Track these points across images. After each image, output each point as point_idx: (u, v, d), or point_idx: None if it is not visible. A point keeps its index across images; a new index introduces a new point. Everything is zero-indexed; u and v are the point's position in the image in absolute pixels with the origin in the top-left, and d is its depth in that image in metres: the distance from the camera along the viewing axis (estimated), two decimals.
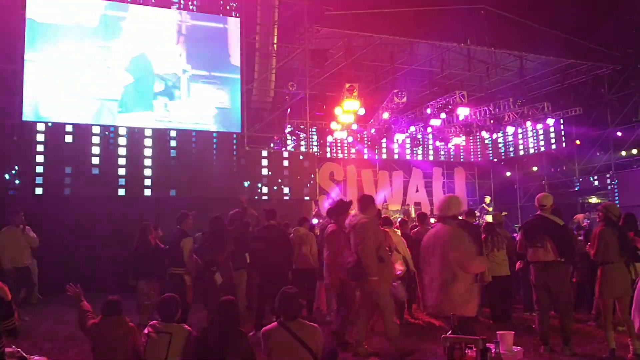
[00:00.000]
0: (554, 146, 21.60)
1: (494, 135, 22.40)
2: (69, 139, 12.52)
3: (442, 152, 23.87)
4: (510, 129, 20.85)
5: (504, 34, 16.25)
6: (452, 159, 24.03)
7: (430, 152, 23.75)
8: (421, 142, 23.18)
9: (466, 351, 3.76)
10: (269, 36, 15.29)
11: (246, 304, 8.70)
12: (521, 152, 23.18)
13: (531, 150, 22.61)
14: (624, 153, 18.58)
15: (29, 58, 12.51)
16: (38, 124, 12.39)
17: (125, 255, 8.85)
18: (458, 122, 19.89)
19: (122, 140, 13.05)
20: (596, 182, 19.77)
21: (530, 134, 22.24)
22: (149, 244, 7.95)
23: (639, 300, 5.35)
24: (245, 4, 14.84)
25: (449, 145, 22.88)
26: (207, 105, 14.22)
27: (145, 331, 4.29)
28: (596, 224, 8.66)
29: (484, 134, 21.50)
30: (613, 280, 5.82)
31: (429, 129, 20.82)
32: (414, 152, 23.28)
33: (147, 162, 13.14)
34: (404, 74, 19.27)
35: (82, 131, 12.71)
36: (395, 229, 8.83)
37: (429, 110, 19.32)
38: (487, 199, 20.34)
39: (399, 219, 10.86)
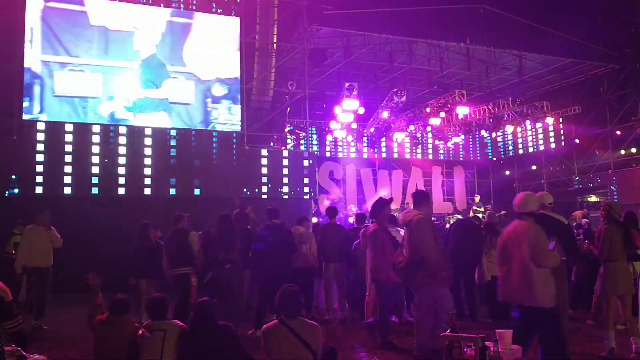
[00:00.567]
0: (553, 145, 21.64)
1: (493, 134, 22.44)
2: (68, 138, 12.55)
3: (442, 151, 23.90)
4: (509, 128, 20.90)
5: (503, 33, 16.26)
6: (451, 158, 24.05)
7: (430, 151, 23.78)
8: (420, 141, 23.21)
9: (465, 350, 3.78)
10: (268, 35, 15.30)
11: (245, 303, 8.75)
12: (520, 151, 23.22)
13: (530, 149, 22.65)
14: (623, 152, 18.60)
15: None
16: (38, 123, 12.43)
17: (125, 255, 8.83)
18: (457, 121, 19.92)
19: (122, 139, 13.07)
20: (595, 181, 19.78)
21: (529, 132, 22.29)
22: (150, 242, 7.94)
23: None
24: (244, 3, 14.84)
25: (448, 144, 22.92)
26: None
27: (139, 332, 4.31)
28: (597, 223, 8.70)
29: (483, 133, 21.55)
30: (617, 278, 5.85)
31: (429, 128, 20.86)
32: (414, 151, 23.31)
33: (147, 161, 13.15)
34: (403, 73, 19.28)
35: (82, 130, 12.73)
36: (398, 229, 8.83)
37: (428, 109, 19.36)
38: (477, 198, 20.34)
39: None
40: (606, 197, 18.48)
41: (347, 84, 16.63)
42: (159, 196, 12.90)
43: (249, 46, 15.15)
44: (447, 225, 13.42)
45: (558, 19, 16.35)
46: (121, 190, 12.77)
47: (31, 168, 12.08)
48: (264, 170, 14.40)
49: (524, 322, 4.87)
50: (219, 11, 14.84)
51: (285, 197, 14.52)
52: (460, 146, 23.77)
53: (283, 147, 16.74)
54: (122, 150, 12.98)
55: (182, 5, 14.57)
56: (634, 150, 18.31)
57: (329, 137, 21.63)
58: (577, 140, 20.16)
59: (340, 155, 22.26)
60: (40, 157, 12.19)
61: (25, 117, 12.55)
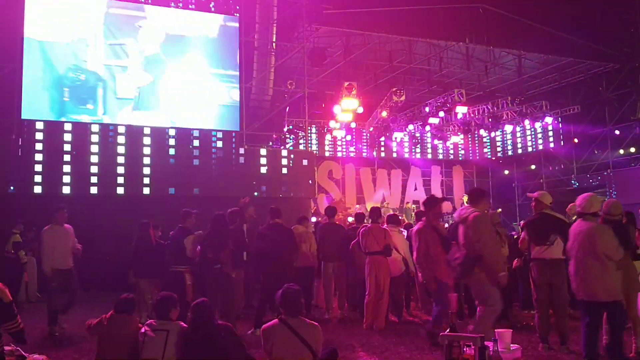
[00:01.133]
0: (552, 144, 21.65)
1: (492, 134, 22.45)
2: (67, 137, 12.54)
3: (441, 151, 23.90)
4: (508, 127, 20.92)
5: (502, 33, 16.27)
6: (450, 158, 24.05)
7: (429, 150, 23.77)
8: (419, 141, 23.20)
9: (464, 349, 3.78)
10: (268, 35, 15.31)
11: (244, 303, 8.75)
12: (519, 151, 23.22)
13: (529, 149, 22.65)
14: (622, 151, 18.62)
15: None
16: (37, 123, 12.41)
17: (124, 254, 8.80)
18: (456, 120, 19.93)
19: (121, 139, 13.06)
20: (594, 181, 19.78)
21: (528, 132, 22.29)
22: (150, 242, 7.91)
23: None
24: (244, 2, 14.84)
25: (448, 143, 22.92)
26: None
27: (142, 330, 4.30)
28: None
29: (482, 132, 21.53)
30: (623, 277, 5.85)
31: (428, 128, 20.83)
32: (413, 150, 23.31)
33: (146, 160, 13.15)
34: (403, 72, 19.28)
35: (81, 130, 12.73)
36: (401, 229, 8.83)
37: (427, 109, 19.35)
38: (465, 199, 20.29)
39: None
40: (605, 196, 18.49)
41: (346, 83, 16.63)
42: (158, 195, 12.90)
43: (248, 45, 15.15)
44: (446, 225, 13.40)
45: (557, 18, 16.36)
46: (120, 190, 12.77)
47: (30, 167, 12.08)
48: (263, 170, 14.41)
49: (592, 326, 5.15)
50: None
51: (284, 196, 14.52)
52: (460, 145, 23.78)
53: (282, 147, 16.74)
54: (121, 149, 12.99)
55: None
56: (633, 149, 18.32)
57: (328, 137, 21.62)
58: (576, 140, 20.17)
59: (339, 154, 22.26)
60: (39, 157, 12.19)
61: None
